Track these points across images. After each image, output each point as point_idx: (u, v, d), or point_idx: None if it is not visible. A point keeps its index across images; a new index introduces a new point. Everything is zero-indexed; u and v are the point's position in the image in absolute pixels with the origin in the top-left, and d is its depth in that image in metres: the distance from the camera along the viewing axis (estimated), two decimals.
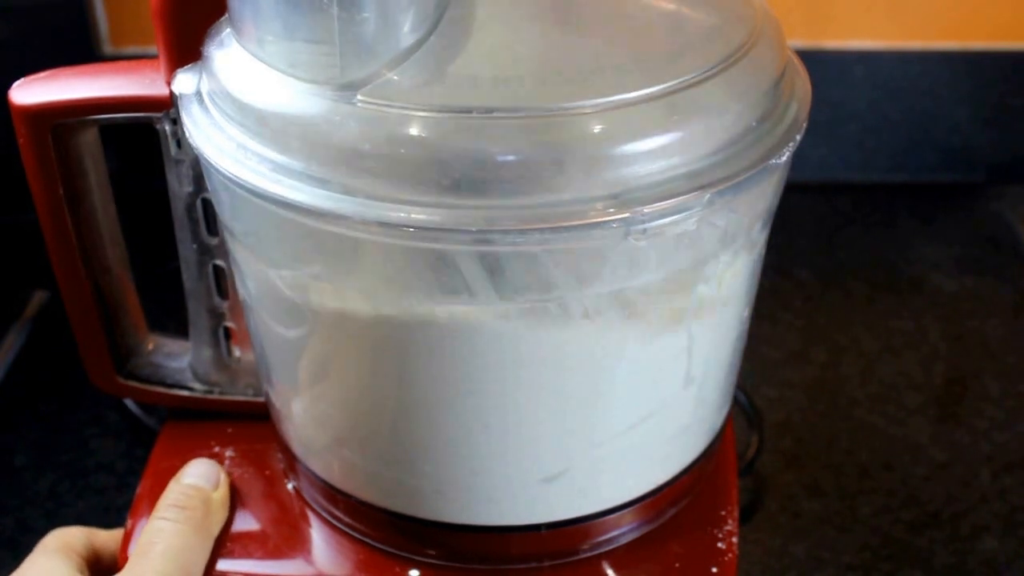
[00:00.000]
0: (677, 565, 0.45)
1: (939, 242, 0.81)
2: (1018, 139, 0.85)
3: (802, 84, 0.41)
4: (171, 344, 0.53)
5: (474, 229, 0.34)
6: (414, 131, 0.34)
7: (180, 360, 0.52)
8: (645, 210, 0.34)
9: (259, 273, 0.41)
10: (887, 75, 0.82)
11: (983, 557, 0.56)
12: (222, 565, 0.45)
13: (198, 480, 0.47)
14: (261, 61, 0.37)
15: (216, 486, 0.47)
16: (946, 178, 0.87)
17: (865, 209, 0.84)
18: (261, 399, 0.50)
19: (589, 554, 0.46)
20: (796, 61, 0.42)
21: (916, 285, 0.76)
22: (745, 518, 0.58)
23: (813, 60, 0.45)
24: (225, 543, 0.46)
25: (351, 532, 0.47)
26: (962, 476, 0.61)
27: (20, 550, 0.55)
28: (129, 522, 0.47)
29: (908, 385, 0.67)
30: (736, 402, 0.62)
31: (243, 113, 0.37)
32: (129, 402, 0.62)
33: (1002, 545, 0.57)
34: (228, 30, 0.39)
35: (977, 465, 0.62)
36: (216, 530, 0.46)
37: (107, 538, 0.49)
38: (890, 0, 0.80)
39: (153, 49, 0.42)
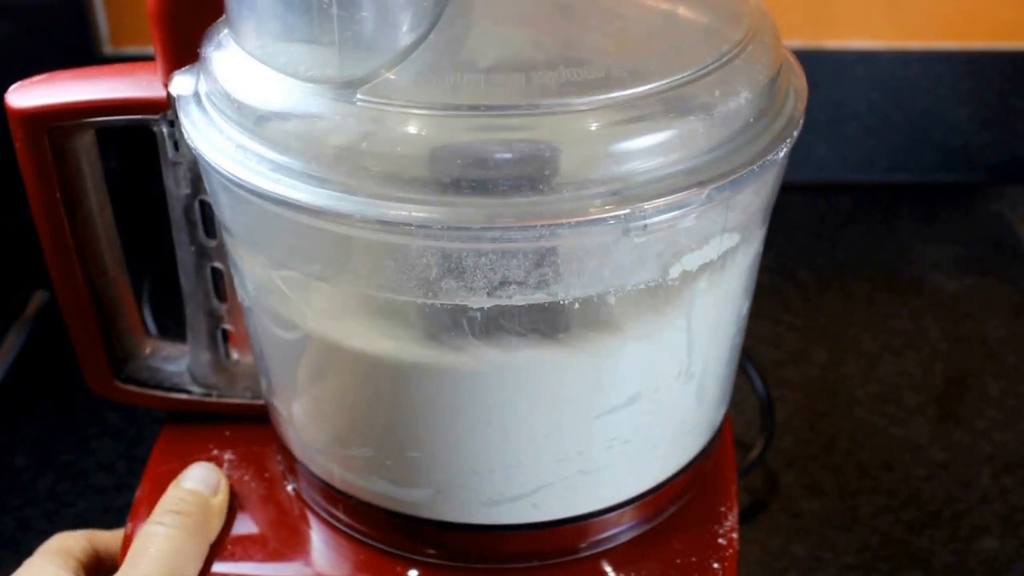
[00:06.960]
0: (678, 561, 0.45)
1: (939, 242, 0.81)
2: (1018, 139, 0.85)
3: (798, 81, 0.41)
4: (169, 347, 0.52)
5: (474, 227, 0.34)
6: (413, 129, 0.34)
7: (178, 363, 0.52)
8: (644, 206, 0.34)
9: (259, 274, 0.41)
10: (887, 75, 0.82)
11: (983, 557, 0.56)
12: (222, 568, 0.45)
13: (197, 484, 0.46)
14: (260, 61, 0.37)
15: (216, 491, 0.47)
16: (946, 178, 0.87)
17: (865, 209, 0.84)
18: (259, 401, 0.50)
19: (589, 552, 0.46)
20: (792, 59, 0.42)
21: (916, 285, 0.76)
22: (745, 518, 0.58)
23: (813, 60, 0.45)
24: (225, 546, 0.46)
25: (351, 533, 0.47)
26: (962, 476, 0.61)
27: (20, 550, 0.55)
28: (129, 525, 0.47)
29: (908, 385, 0.67)
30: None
31: (242, 113, 0.37)
32: None
33: (1002, 545, 0.57)
34: (226, 31, 0.39)
35: (977, 465, 0.62)
36: (214, 536, 0.46)
37: (109, 539, 0.48)
38: (890, 0, 0.80)
39: (153, 50, 0.42)
